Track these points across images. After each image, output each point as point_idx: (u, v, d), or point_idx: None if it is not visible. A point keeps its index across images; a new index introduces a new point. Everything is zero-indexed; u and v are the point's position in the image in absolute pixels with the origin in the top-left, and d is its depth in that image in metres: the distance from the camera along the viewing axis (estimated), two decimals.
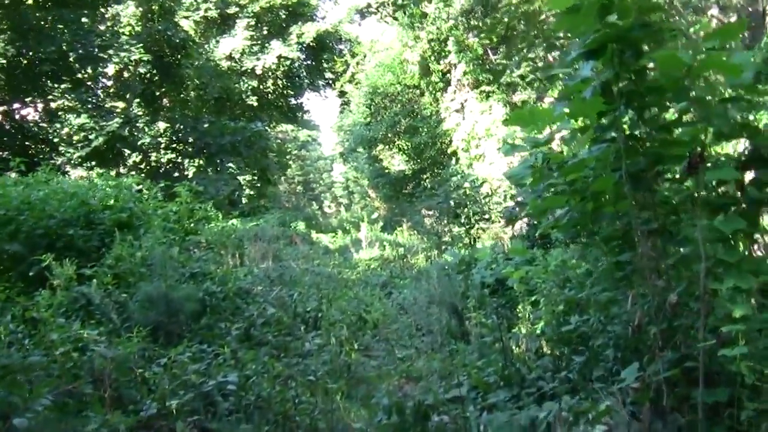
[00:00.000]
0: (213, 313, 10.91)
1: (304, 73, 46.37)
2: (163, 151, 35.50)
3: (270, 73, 43.04)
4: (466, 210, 25.94)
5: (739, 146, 7.82)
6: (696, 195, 5.19)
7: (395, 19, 33.82)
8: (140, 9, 35.74)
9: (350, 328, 11.79)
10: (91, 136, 30.99)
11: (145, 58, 33.30)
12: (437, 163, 33.44)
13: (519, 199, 20.59)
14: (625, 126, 5.39)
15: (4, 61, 28.78)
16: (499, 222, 24.73)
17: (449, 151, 31.29)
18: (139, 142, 33.63)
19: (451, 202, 26.98)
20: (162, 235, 13.30)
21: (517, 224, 22.02)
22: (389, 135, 35.90)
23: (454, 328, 11.66)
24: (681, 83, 5.11)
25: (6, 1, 29.38)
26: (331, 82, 47.87)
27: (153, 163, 35.17)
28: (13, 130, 30.91)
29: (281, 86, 45.07)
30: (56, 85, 31.11)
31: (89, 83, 33.30)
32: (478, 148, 28.48)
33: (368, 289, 16.71)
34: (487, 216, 25.47)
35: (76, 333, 7.74)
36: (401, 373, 9.85)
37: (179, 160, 36.19)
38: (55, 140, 31.29)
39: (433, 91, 32.29)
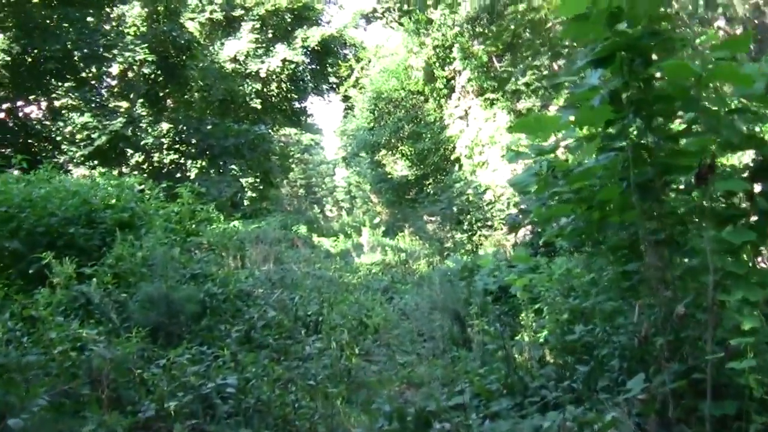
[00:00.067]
0: (213, 315, 10.85)
1: (309, 77, 46.35)
2: (165, 152, 35.45)
3: (274, 77, 43.03)
4: (468, 216, 25.92)
5: (744, 158, 7.80)
6: (704, 206, 5.15)
7: (401, 24, 33.82)
8: (146, 9, 35.74)
9: (351, 333, 11.71)
10: (94, 135, 31.02)
11: (150, 59, 33.35)
12: (440, 170, 33.39)
13: (522, 206, 20.53)
14: (633, 135, 5.35)
15: (9, 59, 28.78)
16: (502, 229, 24.69)
17: (452, 157, 31.26)
18: (142, 142, 33.61)
19: (454, 209, 26.95)
20: (163, 235, 13.25)
21: (520, 232, 21.98)
22: (392, 140, 35.85)
23: (456, 334, 11.59)
24: (690, 93, 5.08)
25: None
26: (335, 86, 47.83)
27: (155, 164, 35.13)
28: (16, 127, 30.88)
29: (285, 89, 45.04)
30: (60, 84, 31.13)
31: (93, 82, 33.32)
32: (482, 155, 28.44)
33: (369, 293, 16.63)
34: (489, 223, 25.44)
35: (74, 332, 7.70)
36: (402, 378, 9.79)
37: (182, 161, 36.15)
38: (58, 139, 31.27)
39: (438, 98, 32.26)
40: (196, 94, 39.87)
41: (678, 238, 5.44)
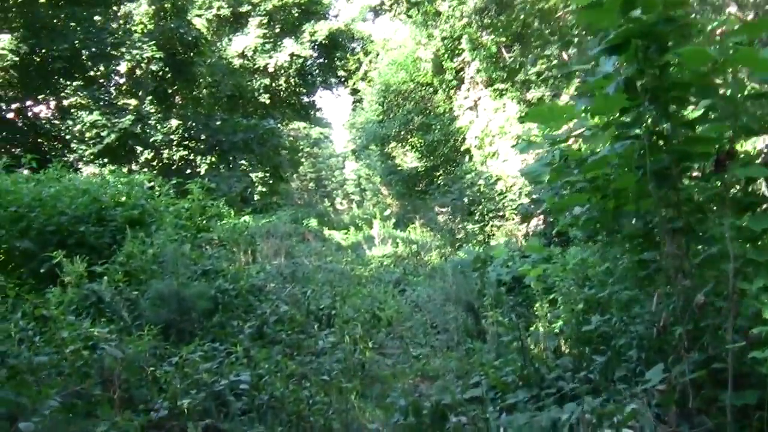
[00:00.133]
0: (225, 311, 10.80)
1: (317, 71, 46.43)
2: (175, 148, 35.51)
3: (282, 71, 43.05)
4: (480, 207, 25.84)
5: (758, 143, 7.71)
6: (723, 193, 5.07)
7: (409, 16, 33.66)
8: (153, 7, 35.74)
9: (364, 326, 11.68)
10: (103, 134, 31.05)
11: (158, 56, 33.36)
12: (450, 161, 33.27)
13: (534, 196, 20.45)
14: (648, 123, 5.28)
15: (17, 59, 28.82)
16: (513, 219, 24.61)
17: (462, 148, 31.13)
18: (151, 140, 33.62)
19: (465, 200, 26.87)
20: (174, 232, 13.19)
21: (532, 221, 21.91)
22: (402, 132, 35.77)
23: (470, 326, 11.53)
24: (707, 79, 5.00)
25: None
26: (343, 79, 47.84)
27: (165, 160, 35.18)
28: (25, 127, 30.99)
29: (294, 84, 45.08)
30: (69, 83, 31.20)
31: (101, 81, 33.39)
32: (492, 145, 28.31)
33: (381, 286, 16.58)
34: (501, 213, 25.35)
35: (86, 331, 7.66)
36: (416, 371, 9.74)
37: (191, 157, 36.20)
38: (68, 137, 31.30)
39: (447, 89, 32.12)
40: (204, 90, 39.90)
41: (695, 226, 5.37)
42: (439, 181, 33.34)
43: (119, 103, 33.67)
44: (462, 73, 30.65)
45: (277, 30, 43.00)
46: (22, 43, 28.68)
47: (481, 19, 28.83)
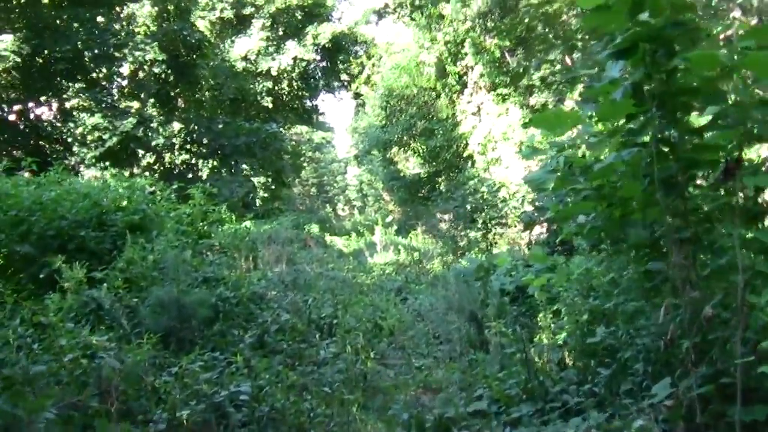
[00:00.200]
0: (226, 319, 10.72)
1: (320, 75, 46.42)
2: (177, 152, 35.47)
3: (285, 75, 43.05)
4: (482, 214, 25.78)
5: (761, 151, 7.61)
6: (732, 203, 4.98)
7: (412, 20, 33.62)
8: (156, 9, 35.72)
9: (366, 336, 11.60)
10: (105, 136, 30.99)
11: (160, 58, 33.33)
12: (453, 167, 33.22)
13: (538, 203, 20.37)
14: (656, 129, 5.19)
15: (19, 60, 28.73)
16: (516, 227, 24.55)
17: (465, 154, 31.10)
18: (153, 143, 33.57)
19: (468, 206, 26.82)
20: (175, 238, 13.11)
21: (535, 230, 21.85)
22: (404, 137, 35.69)
23: (473, 336, 11.46)
24: (715, 84, 4.92)
25: (22, 0, 29.38)
26: (346, 83, 47.81)
27: (167, 164, 35.17)
28: (27, 129, 30.98)
29: (296, 88, 45.09)
30: (71, 85, 31.16)
31: (104, 83, 33.34)
32: (495, 151, 28.28)
33: (383, 294, 16.53)
34: (504, 221, 25.30)
35: (85, 339, 7.58)
36: (419, 383, 9.68)
37: (193, 161, 36.18)
38: (69, 140, 31.25)
39: (450, 94, 32.08)
40: (207, 93, 39.90)
41: (703, 236, 5.28)
42: (441, 188, 33.32)
43: (121, 106, 33.61)
44: (465, 77, 30.64)
45: (280, 33, 43.01)
46: (25, 45, 28.61)
47: (484, 23, 28.84)
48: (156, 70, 34.41)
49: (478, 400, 7.51)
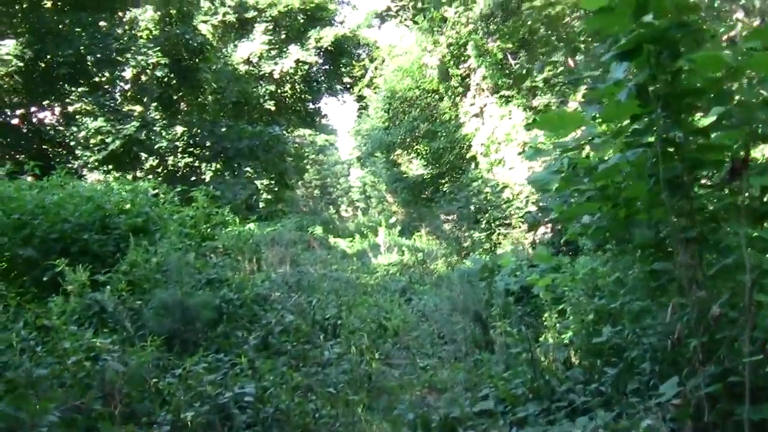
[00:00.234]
0: (230, 321, 10.70)
1: (322, 78, 46.43)
2: (180, 155, 35.46)
3: (288, 78, 43.07)
4: (486, 215, 25.77)
5: (767, 151, 7.60)
6: (739, 202, 4.97)
7: (415, 23, 33.63)
8: (158, 13, 35.70)
9: (370, 336, 11.57)
10: (107, 140, 30.98)
11: (163, 62, 33.35)
12: (456, 168, 33.23)
13: (542, 204, 20.36)
14: (660, 130, 5.18)
15: (22, 64, 28.74)
16: (520, 227, 24.53)
17: (468, 155, 31.09)
18: (156, 146, 33.54)
19: (472, 207, 26.81)
20: (178, 240, 13.12)
21: (539, 230, 21.82)
22: (407, 139, 35.71)
23: (478, 336, 11.43)
24: (720, 85, 4.92)
25: (24, 5, 29.40)
26: (349, 86, 47.84)
27: (170, 167, 35.14)
28: (30, 133, 30.97)
29: (299, 90, 45.12)
30: (73, 89, 31.10)
31: (107, 87, 33.28)
32: (498, 152, 28.26)
33: (387, 295, 16.52)
34: (508, 221, 25.28)
35: (88, 341, 7.56)
36: (424, 383, 9.66)
37: (196, 164, 36.15)
38: (72, 144, 31.23)
39: (452, 96, 32.06)
40: (209, 96, 39.87)
41: (709, 235, 5.27)
42: (444, 189, 33.29)
43: (124, 110, 33.57)
44: (468, 79, 30.61)
45: (283, 36, 43.02)
46: (27, 49, 28.59)
47: (487, 25, 28.84)
48: (158, 73, 34.40)
49: (483, 399, 7.50)
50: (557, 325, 9.24)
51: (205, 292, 10.96)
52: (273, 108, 42.91)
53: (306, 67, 42.89)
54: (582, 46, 26.18)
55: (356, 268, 22.04)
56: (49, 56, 29.40)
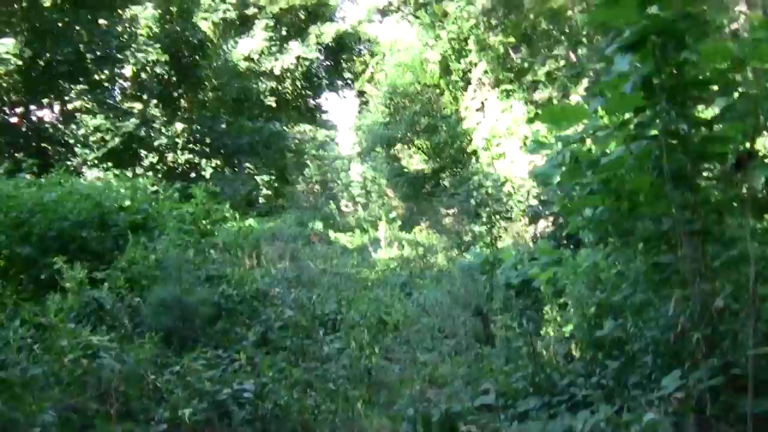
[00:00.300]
0: (229, 317, 10.69)
1: (323, 74, 46.33)
2: (180, 152, 35.32)
3: (288, 74, 42.94)
4: (487, 209, 25.72)
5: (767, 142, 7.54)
6: (743, 194, 4.92)
7: (416, 18, 33.60)
8: (158, 10, 35.60)
9: (370, 331, 11.53)
10: (107, 137, 30.88)
11: (163, 59, 33.23)
12: (457, 162, 33.19)
13: (543, 197, 20.33)
14: (665, 122, 5.13)
15: (21, 63, 28.66)
16: (521, 221, 24.50)
17: (469, 150, 31.07)
18: (156, 143, 33.44)
19: (472, 201, 26.77)
20: (177, 237, 13.09)
21: (540, 223, 21.78)
22: (408, 134, 35.67)
23: (479, 330, 11.40)
24: (726, 77, 4.87)
25: (24, 3, 29.33)
26: (349, 82, 47.74)
27: (170, 164, 35.01)
28: (29, 131, 30.90)
29: (300, 87, 44.99)
30: (73, 86, 31.03)
31: (106, 84, 33.20)
32: (499, 146, 28.24)
33: (388, 289, 16.47)
34: (508, 215, 25.24)
35: (86, 339, 7.52)
36: (424, 377, 9.62)
37: (196, 160, 36.03)
38: (72, 141, 31.14)
39: (453, 91, 32.05)
40: (209, 93, 39.78)
41: (713, 228, 5.21)
42: (445, 183, 33.24)
43: (124, 107, 33.49)
44: (469, 74, 30.61)
45: (283, 33, 42.90)
46: (26, 47, 28.54)
47: (488, 19, 28.76)
48: (158, 71, 34.29)
49: (484, 394, 7.47)
50: (558, 318, 9.20)
51: (204, 288, 10.96)
52: (273, 104, 42.78)
53: (307, 63, 42.77)
54: (584, 39, 26.12)
55: (357, 263, 21.99)
56: (48, 54, 29.39)
